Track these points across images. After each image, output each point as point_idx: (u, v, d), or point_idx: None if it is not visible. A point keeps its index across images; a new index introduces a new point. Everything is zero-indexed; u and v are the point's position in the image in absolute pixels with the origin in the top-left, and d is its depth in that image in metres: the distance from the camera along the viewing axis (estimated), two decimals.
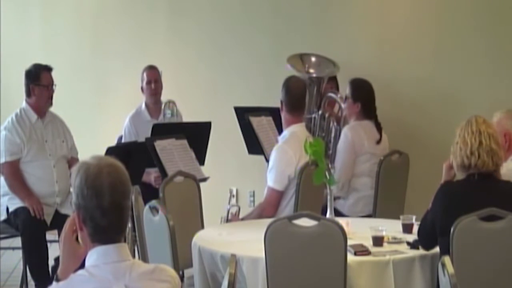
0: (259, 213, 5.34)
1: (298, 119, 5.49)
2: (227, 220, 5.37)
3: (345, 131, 6.09)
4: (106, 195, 2.59)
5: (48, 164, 6.04)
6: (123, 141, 6.79)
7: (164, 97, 6.89)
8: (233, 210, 5.50)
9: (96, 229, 2.62)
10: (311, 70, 6.85)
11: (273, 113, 5.80)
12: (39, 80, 6.07)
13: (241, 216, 5.48)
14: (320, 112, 6.63)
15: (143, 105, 6.88)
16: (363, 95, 6.08)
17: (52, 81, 6.12)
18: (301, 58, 6.89)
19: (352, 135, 6.01)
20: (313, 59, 6.90)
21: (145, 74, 6.87)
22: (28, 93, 6.09)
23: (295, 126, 5.45)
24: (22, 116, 6.07)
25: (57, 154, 6.10)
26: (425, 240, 4.15)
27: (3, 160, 5.97)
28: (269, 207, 5.35)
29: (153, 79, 6.85)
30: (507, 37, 7.01)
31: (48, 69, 6.12)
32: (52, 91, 6.12)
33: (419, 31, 7.22)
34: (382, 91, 6.18)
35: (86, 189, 2.60)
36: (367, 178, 6.01)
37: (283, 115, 5.46)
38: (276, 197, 5.36)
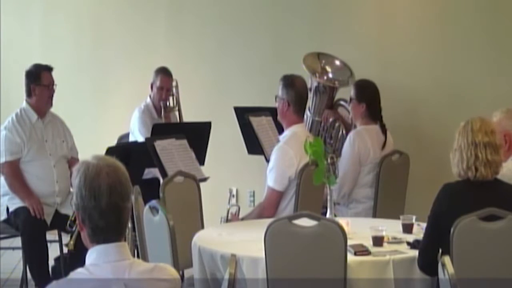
0: (259, 213, 5.33)
1: (300, 119, 5.49)
2: (227, 220, 5.37)
3: (351, 138, 5.97)
4: (104, 196, 2.59)
5: (48, 164, 6.04)
6: (130, 136, 6.79)
7: None
8: (233, 210, 5.49)
9: (94, 230, 2.62)
10: (330, 76, 6.76)
11: (273, 113, 5.79)
12: (39, 80, 6.08)
13: (241, 216, 5.48)
14: (331, 119, 6.59)
15: (150, 102, 6.87)
16: (368, 96, 6.03)
17: (53, 81, 6.14)
18: (322, 66, 6.80)
19: (359, 145, 5.91)
20: (336, 62, 6.82)
21: (159, 79, 6.83)
22: (29, 93, 6.10)
23: (297, 126, 5.44)
24: (23, 116, 6.07)
25: (57, 154, 6.10)
26: (424, 256, 4.04)
27: (3, 159, 5.97)
28: (269, 207, 5.35)
29: (166, 88, 6.85)
30: (510, 36, 7.01)
31: (48, 69, 6.13)
32: (53, 91, 6.13)
33: (420, 31, 7.21)
34: (382, 91, 6.17)
35: (85, 190, 2.60)
36: (370, 189, 5.93)
37: (287, 114, 5.43)
38: (276, 198, 5.35)
